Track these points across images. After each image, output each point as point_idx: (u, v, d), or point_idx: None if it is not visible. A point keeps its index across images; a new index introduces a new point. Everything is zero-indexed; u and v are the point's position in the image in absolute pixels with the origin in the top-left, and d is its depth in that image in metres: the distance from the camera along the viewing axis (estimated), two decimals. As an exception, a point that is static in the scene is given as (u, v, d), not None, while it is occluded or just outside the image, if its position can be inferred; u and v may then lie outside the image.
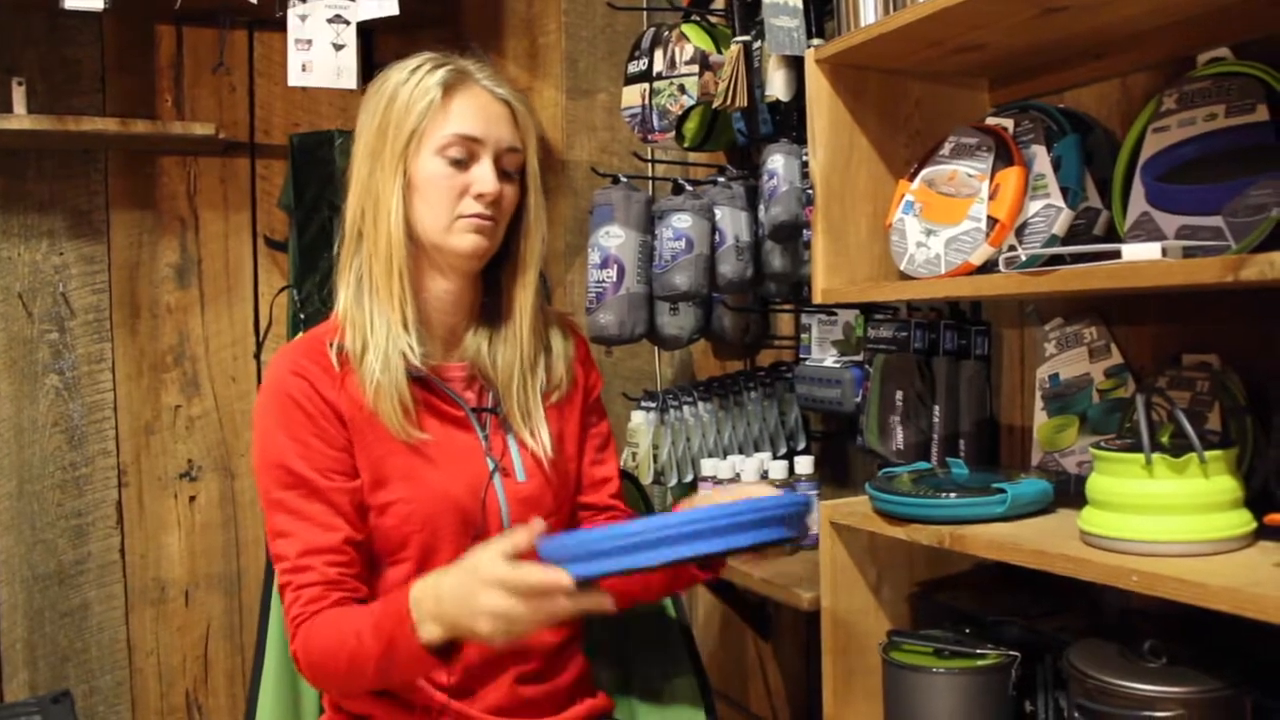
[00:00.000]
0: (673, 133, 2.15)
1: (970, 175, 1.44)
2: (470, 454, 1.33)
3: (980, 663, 1.38)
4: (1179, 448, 1.15)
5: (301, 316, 2.46)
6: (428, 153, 1.28)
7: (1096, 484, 1.20)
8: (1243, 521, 1.15)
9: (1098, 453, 1.20)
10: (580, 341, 1.49)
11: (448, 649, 1.15)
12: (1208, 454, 1.12)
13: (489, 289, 1.39)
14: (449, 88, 1.29)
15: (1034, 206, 1.38)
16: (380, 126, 1.29)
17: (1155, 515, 1.14)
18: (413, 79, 1.29)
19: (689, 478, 2.15)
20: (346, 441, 1.28)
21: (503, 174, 1.31)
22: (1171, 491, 1.14)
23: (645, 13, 2.62)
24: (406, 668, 1.18)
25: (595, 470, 1.47)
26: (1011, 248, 1.37)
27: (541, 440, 1.36)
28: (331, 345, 1.30)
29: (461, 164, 1.28)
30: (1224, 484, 1.14)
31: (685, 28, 2.14)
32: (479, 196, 1.28)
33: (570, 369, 1.44)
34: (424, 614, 1.13)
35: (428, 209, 1.28)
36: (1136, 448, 1.16)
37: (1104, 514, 1.19)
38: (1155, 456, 1.14)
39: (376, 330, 1.28)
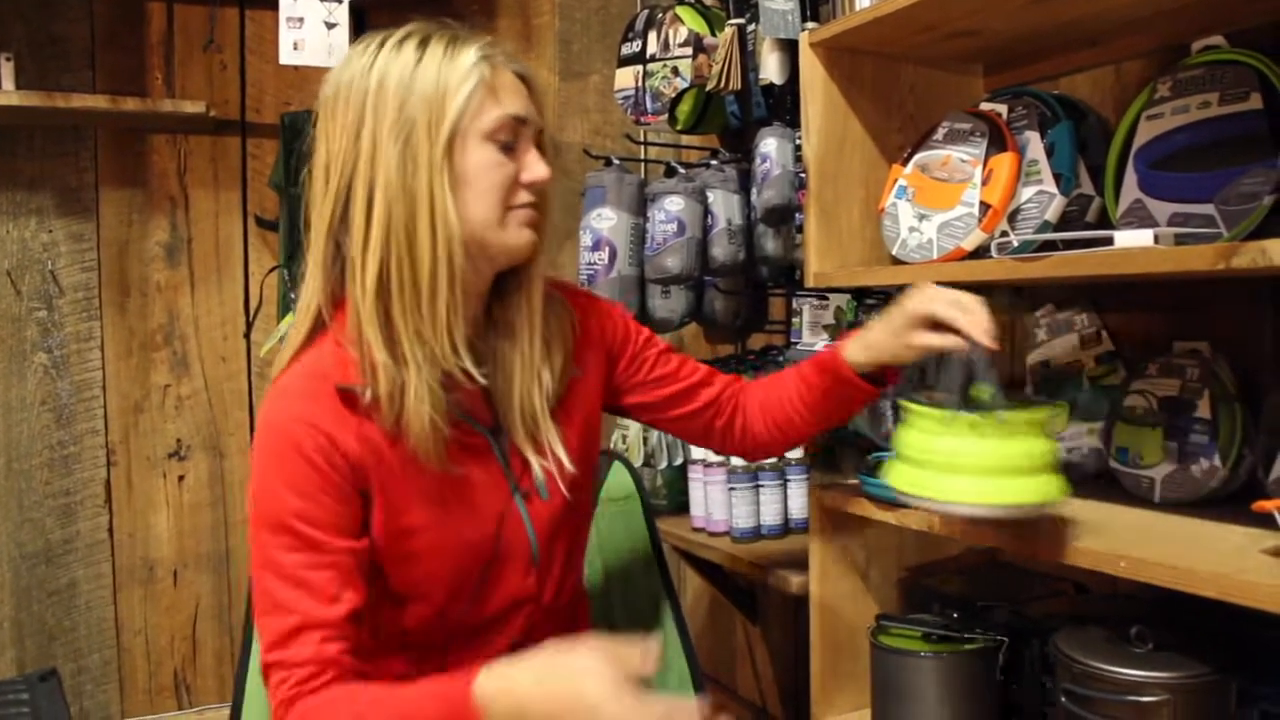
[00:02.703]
0: (666, 115, 2.14)
1: (963, 160, 1.44)
2: (493, 484, 1.21)
3: (967, 647, 1.39)
4: (993, 407, 1.10)
5: (292, 296, 2.45)
6: (475, 140, 1.12)
7: (899, 436, 1.18)
8: (1040, 488, 1.11)
9: (905, 404, 1.18)
10: (578, 305, 1.32)
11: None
12: (1006, 415, 1.09)
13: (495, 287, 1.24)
14: (485, 64, 1.13)
15: (1027, 192, 1.38)
16: (407, 115, 1.10)
17: (948, 474, 1.11)
18: (439, 57, 1.12)
19: (679, 461, 2.15)
20: (360, 495, 1.13)
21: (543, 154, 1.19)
22: (965, 451, 1.10)
23: (639, -6, 2.61)
24: None
25: (685, 404, 1.37)
26: (1004, 233, 1.37)
27: (555, 455, 1.22)
28: (341, 390, 1.12)
29: (510, 150, 1.15)
30: (1023, 448, 1.10)
31: (679, 10, 2.13)
32: (530, 185, 1.15)
33: (568, 347, 1.27)
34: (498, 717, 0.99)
35: (478, 203, 1.12)
36: (944, 404, 1.13)
37: (904, 468, 1.16)
38: (955, 415, 1.10)
39: (419, 360, 1.11)
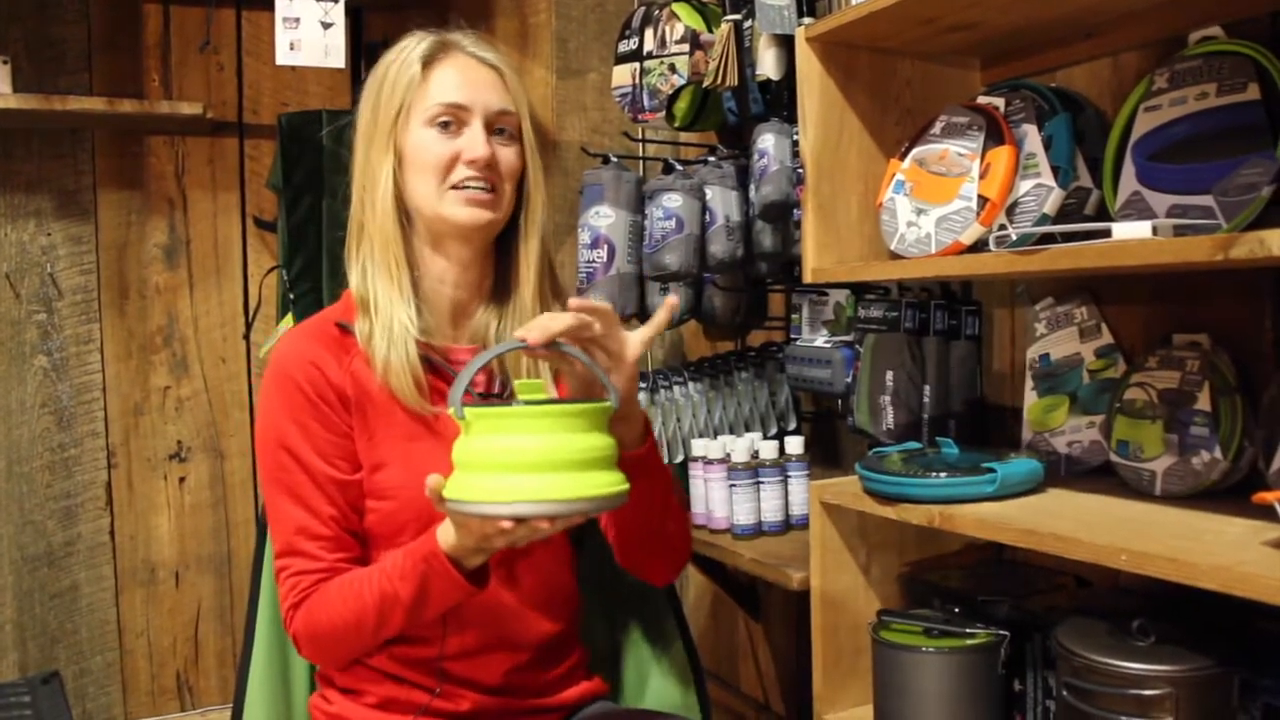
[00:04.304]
0: (663, 112, 2.14)
1: (961, 154, 1.43)
2: None
3: (969, 642, 1.38)
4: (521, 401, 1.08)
5: (291, 297, 2.45)
6: (416, 124, 1.27)
7: (455, 449, 1.11)
8: (604, 482, 1.06)
9: (455, 413, 1.09)
10: None
11: (482, 575, 1.19)
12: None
13: (500, 265, 1.36)
14: (432, 58, 1.28)
15: (1025, 186, 1.38)
16: (372, 108, 1.29)
17: (503, 474, 1.05)
18: (398, 56, 1.29)
19: (679, 458, 2.15)
20: (349, 428, 1.27)
21: (500, 137, 1.30)
22: (518, 448, 1.04)
23: (636, -9, 2.60)
24: (441, 602, 1.19)
25: None
26: (1002, 227, 1.37)
27: None
28: (340, 326, 1.30)
29: (450, 131, 1.27)
30: (582, 442, 1.05)
31: (676, 6, 2.12)
32: (470, 162, 1.26)
33: None
34: (457, 549, 1.15)
35: (419, 180, 1.27)
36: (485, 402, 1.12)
37: (460, 476, 1.09)
38: (469, 410, 1.06)
39: (381, 307, 1.26)
